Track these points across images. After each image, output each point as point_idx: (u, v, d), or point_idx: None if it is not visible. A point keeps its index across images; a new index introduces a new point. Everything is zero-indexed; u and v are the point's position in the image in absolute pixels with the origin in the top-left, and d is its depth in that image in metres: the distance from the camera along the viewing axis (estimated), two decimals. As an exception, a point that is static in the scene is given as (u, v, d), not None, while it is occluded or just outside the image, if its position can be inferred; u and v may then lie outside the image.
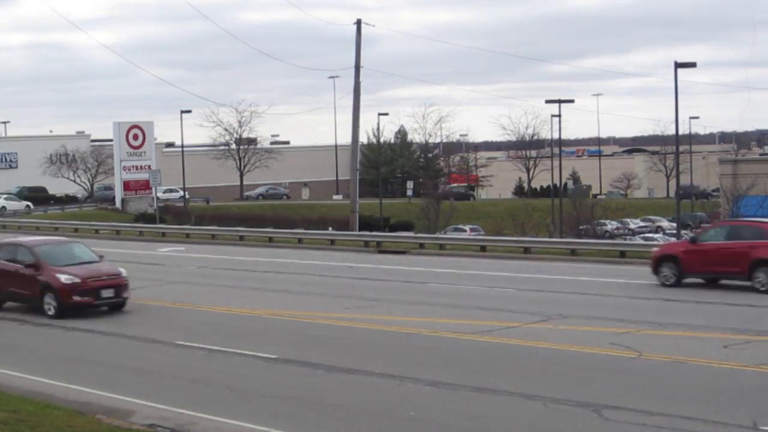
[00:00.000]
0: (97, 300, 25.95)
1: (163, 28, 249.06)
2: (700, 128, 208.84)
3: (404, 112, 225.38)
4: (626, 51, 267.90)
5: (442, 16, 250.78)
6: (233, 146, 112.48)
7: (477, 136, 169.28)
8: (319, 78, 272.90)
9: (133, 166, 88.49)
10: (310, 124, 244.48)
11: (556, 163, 79.07)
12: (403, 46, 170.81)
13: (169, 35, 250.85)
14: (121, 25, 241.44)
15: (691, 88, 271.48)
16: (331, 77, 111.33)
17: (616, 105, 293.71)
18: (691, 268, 29.47)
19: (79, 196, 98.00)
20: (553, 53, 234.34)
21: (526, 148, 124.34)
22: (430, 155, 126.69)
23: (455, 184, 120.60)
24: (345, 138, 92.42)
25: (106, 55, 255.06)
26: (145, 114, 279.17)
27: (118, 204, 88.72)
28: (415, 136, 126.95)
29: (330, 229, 62.45)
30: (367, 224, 68.08)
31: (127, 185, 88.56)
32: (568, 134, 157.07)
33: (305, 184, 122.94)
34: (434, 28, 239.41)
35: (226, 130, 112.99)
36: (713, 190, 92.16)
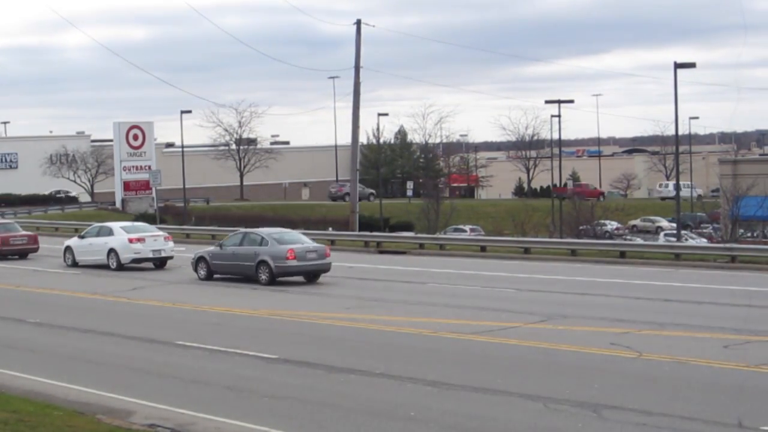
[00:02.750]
0: None
1: (132, 32, 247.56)
2: (700, 129, 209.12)
3: (392, 112, 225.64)
4: (592, 54, 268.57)
5: (412, 20, 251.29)
6: (233, 146, 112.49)
7: (477, 137, 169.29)
8: (300, 79, 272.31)
9: (133, 167, 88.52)
10: (308, 124, 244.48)
11: (556, 163, 79.09)
12: (376, 49, 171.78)
13: (141, 39, 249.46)
14: (92, 28, 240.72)
15: (666, 89, 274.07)
16: (330, 77, 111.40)
17: (598, 104, 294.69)
18: None
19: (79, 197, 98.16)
20: (528, 56, 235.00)
21: (525, 149, 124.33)
22: (430, 155, 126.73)
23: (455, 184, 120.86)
24: (345, 139, 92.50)
25: (84, 58, 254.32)
26: (128, 116, 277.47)
27: (118, 204, 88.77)
28: (414, 137, 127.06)
29: (330, 229, 62.44)
30: (367, 225, 68.11)
31: (127, 185, 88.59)
32: (567, 135, 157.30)
33: (305, 185, 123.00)
34: (411, 30, 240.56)
35: (226, 130, 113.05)
36: (713, 191, 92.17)
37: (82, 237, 40.00)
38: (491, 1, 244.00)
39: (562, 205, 69.53)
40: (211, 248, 35.34)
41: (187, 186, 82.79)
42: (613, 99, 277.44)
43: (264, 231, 34.94)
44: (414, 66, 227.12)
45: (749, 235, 60.18)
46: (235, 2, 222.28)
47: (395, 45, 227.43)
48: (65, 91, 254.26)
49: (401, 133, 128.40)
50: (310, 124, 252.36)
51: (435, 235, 55.62)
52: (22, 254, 44.20)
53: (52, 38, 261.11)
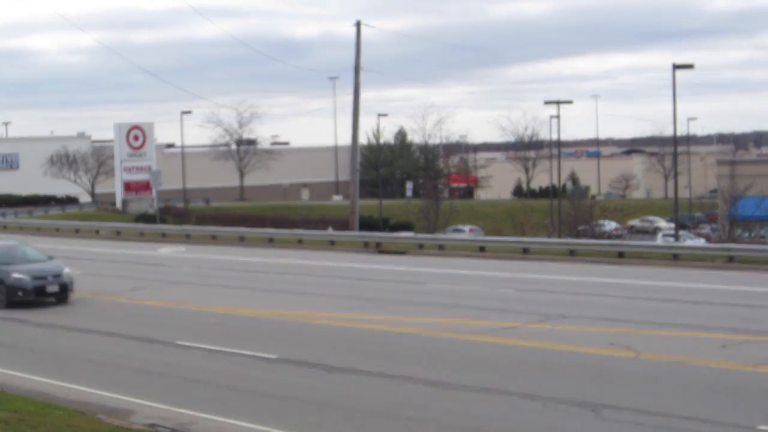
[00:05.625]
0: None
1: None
2: (699, 129, 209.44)
3: (382, 113, 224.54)
4: (564, 57, 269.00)
5: (392, 24, 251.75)
6: (233, 147, 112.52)
7: (475, 137, 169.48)
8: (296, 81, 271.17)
9: (133, 167, 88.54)
10: (307, 125, 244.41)
11: (555, 164, 79.11)
12: (368, 51, 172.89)
13: (127, 41, 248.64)
14: (73, 31, 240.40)
15: (646, 90, 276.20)
16: (330, 78, 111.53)
17: (586, 106, 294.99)
18: None
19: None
20: (509, 58, 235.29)
21: (525, 149, 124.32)
22: (429, 156, 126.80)
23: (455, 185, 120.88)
24: (345, 139, 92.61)
25: (70, 60, 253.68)
26: (119, 117, 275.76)
27: (118, 204, 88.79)
28: (414, 137, 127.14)
29: (330, 229, 62.48)
30: (367, 225, 68.18)
31: (127, 186, 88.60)
32: (567, 135, 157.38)
33: (305, 185, 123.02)
34: (395, 34, 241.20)
35: (226, 130, 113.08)
36: (711, 191, 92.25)
37: None
38: (451, 7, 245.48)
39: (561, 205, 69.56)
40: None
41: (187, 186, 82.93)
42: (594, 100, 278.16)
43: None
44: (396, 67, 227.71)
45: (747, 235, 60.24)
46: (206, 5, 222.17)
47: (375, 46, 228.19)
48: (55, 93, 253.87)
49: (401, 134, 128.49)
50: (309, 125, 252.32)
51: (434, 236, 55.63)
52: None
53: (29, 41, 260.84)
